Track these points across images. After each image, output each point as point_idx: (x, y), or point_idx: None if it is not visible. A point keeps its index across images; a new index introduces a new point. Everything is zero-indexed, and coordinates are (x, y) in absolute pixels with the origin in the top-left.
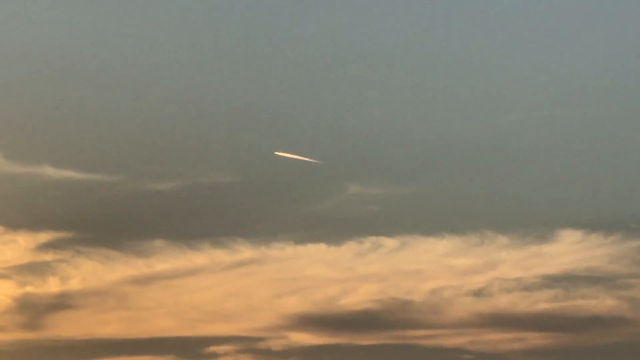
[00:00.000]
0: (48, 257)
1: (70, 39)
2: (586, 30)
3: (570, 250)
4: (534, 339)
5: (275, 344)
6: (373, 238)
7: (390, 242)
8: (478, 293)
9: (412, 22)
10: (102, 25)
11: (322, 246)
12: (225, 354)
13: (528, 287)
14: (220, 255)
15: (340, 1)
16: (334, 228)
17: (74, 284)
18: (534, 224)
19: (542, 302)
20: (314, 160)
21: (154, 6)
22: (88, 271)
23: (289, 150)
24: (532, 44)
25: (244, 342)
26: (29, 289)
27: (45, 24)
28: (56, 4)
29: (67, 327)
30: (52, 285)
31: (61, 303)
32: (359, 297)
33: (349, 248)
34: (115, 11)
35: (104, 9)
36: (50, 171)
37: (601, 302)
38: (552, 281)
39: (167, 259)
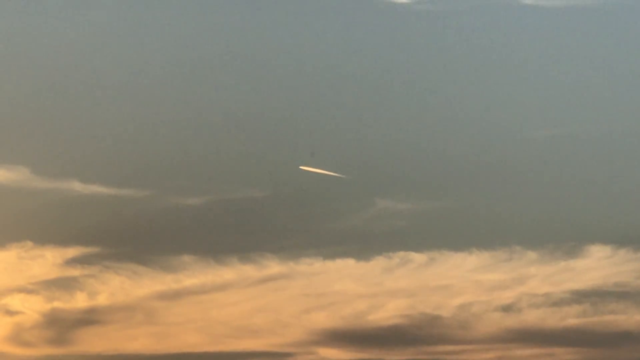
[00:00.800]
0: (76, 272)
1: (94, 55)
2: (613, 45)
3: (599, 266)
4: (563, 354)
5: None
6: (402, 253)
7: (418, 258)
8: (507, 308)
9: (442, 37)
10: (132, 42)
11: (350, 261)
12: None
13: (557, 303)
14: (248, 271)
15: (366, 15)
16: (363, 243)
17: (102, 299)
18: (562, 239)
19: (570, 318)
20: (338, 175)
21: (175, 18)
22: (116, 286)
23: (317, 165)
24: (559, 59)
25: (273, 358)
26: (57, 304)
27: (74, 39)
28: (78, 15)
29: (95, 342)
30: (79, 301)
31: (89, 318)
32: (388, 313)
33: (378, 263)
34: (142, 24)
35: (130, 20)
36: (78, 186)
37: (630, 318)
38: (580, 296)
39: (195, 275)
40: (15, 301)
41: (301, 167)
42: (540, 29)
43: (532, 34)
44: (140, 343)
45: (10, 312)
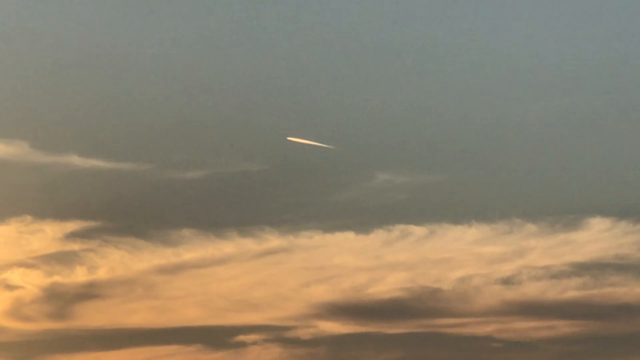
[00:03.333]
0: (75, 246)
1: (95, 28)
2: (612, 17)
3: (599, 238)
4: (563, 326)
5: (304, 333)
6: (401, 226)
7: (418, 231)
8: (507, 281)
9: (439, 10)
10: (128, 15)
11: (350, 235)
12: (254, 343)
13: (557, 275)
14: (248, 244)
15: None
16: (363, 216)
17: (102, 273)
18: (562, 212)
19: (571, 290)
20: (338, 148)
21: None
22: (116, 260)
23: (316, 138)
24: (557, 30)
25: (272, 331)
26: (57, 278)
27: (74, 16)
28: None
29: (95, 316)
30: (79, 275)
31: (89, 292)
32: (388, 286)
33: (378, 236)
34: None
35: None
36: (77, 160)
37: (630, 290)
38: (581, 269)
39: (194, 248)
40: (15, 276)
41: (288, 138)
42: (536, 3)
43: (528, 8)
44: (140, 317)
45: (10, 287)
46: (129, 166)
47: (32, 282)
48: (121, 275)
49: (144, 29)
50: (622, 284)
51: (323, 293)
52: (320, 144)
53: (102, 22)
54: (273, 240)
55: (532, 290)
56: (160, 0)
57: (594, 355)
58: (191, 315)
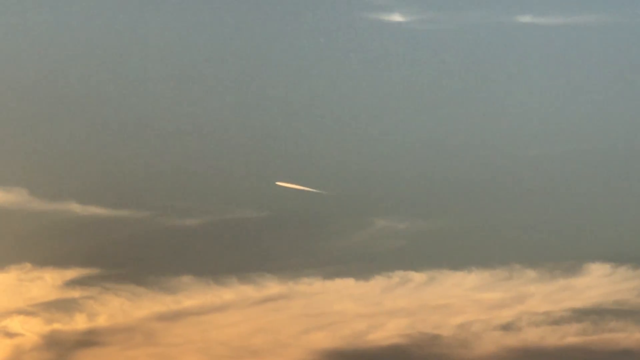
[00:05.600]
0: (75, 293)
1: (90, 77)
2: (611, 64)
3: (598, 284)
4: None
5: None
6: (401, 272)
7: (418, 277)
8: (506, 327)
9: (436, 55)
10: (120, 64)
11: (350, 281)
12: None
13: (557, 321)
14: (247, 291)
15: (359, 33)
16: (362, 263)
17: (101, 320)
18: (562, 258)
19: (570, 336)
20: (337, 195)
21: (172, 32)
22: (115, 308)
23: (314, 185)
24: (557, 77)
25: None
26: (56, 326)
27: (72, 60)
28: (76, 33)
29: None
30: (79, 322)
31: (88, 340)
32: (387, 332)
33: (377, 283)
34: (137, 43)
35: (124, 39)
36: (76, 207)
37: (630, 336)
38: (580, 315)
39: (194, 295)
40: (14, 323)
41: (277, 183)
42: (537, 48)
43: (529, 52)
44: None
45: (9, 334)
46: (129, 213)
47: (31, 329)
48: (121, 323)
49: (144, 75)
50: (621, 329)
51: (323, 339)
52: (318, 190)
53: (96, 68)
54: (273, 286)
55: (532, 336)
56: (154, 49)
57: None
58: None
